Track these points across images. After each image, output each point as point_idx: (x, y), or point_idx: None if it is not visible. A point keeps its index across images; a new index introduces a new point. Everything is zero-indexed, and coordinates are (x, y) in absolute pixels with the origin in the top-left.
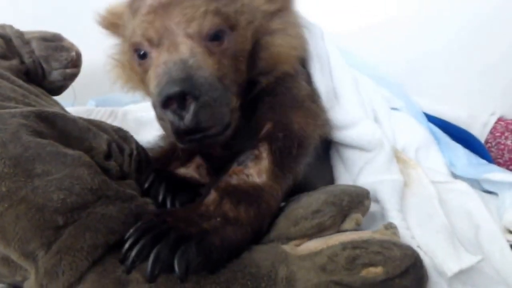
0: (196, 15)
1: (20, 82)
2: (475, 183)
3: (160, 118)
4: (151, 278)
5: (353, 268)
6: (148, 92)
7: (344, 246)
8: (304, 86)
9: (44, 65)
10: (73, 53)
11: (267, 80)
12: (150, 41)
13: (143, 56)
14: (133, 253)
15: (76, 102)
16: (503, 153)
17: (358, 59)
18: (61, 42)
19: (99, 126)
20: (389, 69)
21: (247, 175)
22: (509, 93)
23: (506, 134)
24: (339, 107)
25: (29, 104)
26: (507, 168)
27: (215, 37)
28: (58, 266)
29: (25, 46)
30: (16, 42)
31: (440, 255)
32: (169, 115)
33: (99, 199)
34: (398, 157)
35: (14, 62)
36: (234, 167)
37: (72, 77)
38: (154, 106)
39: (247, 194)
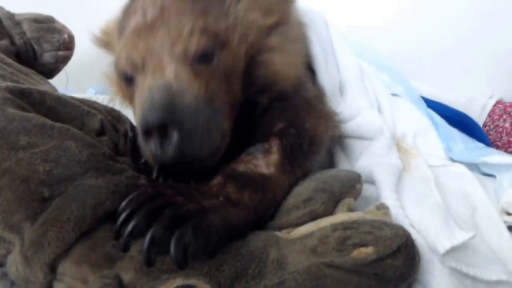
0: (181, 35)
1: (9, 60)
2: (474, 167)
3: (143, 147)
4: (148, 263)
5: (343, 249)
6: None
7: (335, 227)
8: (311, 88)
9: (36, 47)
10: (65, 35)
11: (264, 99)
12: (134, 65)
13: (129, 81)
14: (127, 230)
15: (69, 87)
16: (502, 136)
17: (357, 44)
18: (53, 24)
19: (92, 106)
20: (388, 53)
21: (255, 165)
22: (508, 76)
23: (505, 116)
24: (343, 100)
25: (17, 82)
26: (506, 151)
27: (203, 57)
28: (44, 237)
29: (15, 27)
30: (6, 23)
31: (433, 233)
32: (151, 145)
33: (87, 171)
34: (399, 146)
35: (4, 42)
36: (243, 157)
37: (65, 60)
38: (139, 135)
39: (253, 181)
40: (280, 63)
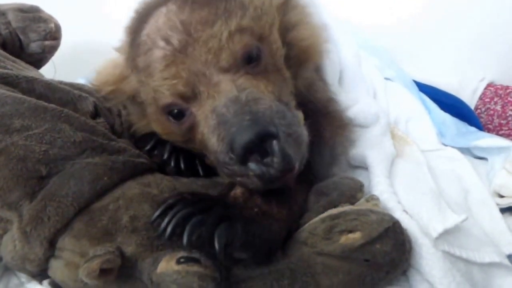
0: (221, 43)
1: None
2: (466, 150)
3: (238, 175)
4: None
5: (331, 237)
6: (204, 150)
7: (323, 219)
8: (322, 88)
9: (22, 37)
10: (52, 25)
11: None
12: (182, 95)
13: (179, 116)
14: (178, 216)
15: (57, 77)
16: (493, 119)
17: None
18: (39, 13)
19: (82, 89)
20: (379, 37)
21: None
22: (498, 59)
23: (496, 99)
24: (342, 89)
25: (5, 68)
26: (497, 133)
27: (251, 57)
28: (44, 212)
29: (0, 17)
30: None
31: (425, 217)
32: (253, 168)
33: (83, 151)
34: (394, 133)
35: None
36: None
37: (52, 49)
38: (225, 164)
39: (277, 193)
40: (310, 36)
